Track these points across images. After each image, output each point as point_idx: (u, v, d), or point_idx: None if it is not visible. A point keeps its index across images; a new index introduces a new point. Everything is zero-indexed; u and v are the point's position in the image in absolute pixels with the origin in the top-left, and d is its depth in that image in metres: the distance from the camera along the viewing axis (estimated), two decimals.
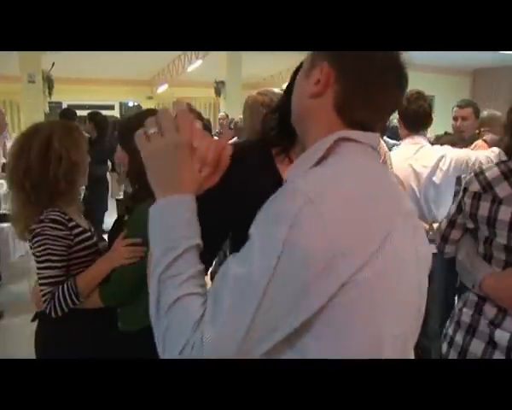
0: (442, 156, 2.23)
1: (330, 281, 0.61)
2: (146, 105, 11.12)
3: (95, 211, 4.11)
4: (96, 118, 4.33)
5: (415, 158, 2.27)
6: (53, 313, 1.37)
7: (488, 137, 2.51)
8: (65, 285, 1.38)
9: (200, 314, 0.63)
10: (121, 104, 12.11)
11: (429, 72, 8.56)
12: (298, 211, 0.61)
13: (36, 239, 1.39)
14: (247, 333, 0.60)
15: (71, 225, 1.45)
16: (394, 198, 0.74)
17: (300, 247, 0.60)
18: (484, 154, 2.23)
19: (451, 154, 2.24)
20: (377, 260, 0.63)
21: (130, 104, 12.40)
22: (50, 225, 1.39)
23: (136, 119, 1.42)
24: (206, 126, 2.95)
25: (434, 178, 2.22)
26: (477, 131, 2.76)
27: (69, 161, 1.43)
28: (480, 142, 2.51)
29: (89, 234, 1.52)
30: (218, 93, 8.21)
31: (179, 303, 0.64)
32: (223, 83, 7.98)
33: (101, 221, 4.33)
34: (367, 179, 0.70)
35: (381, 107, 0.75)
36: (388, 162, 2.07)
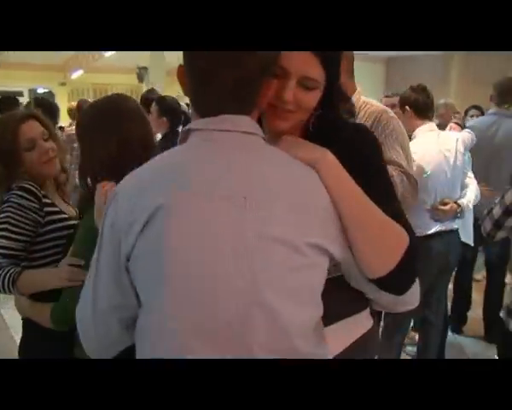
0: (457, 139, 2.49)
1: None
2: (58, 92, 10.46)
3: None
4: (43, 103, 3.95)
5: (439, 143, 2.46)
6: None
7: (457, 120, 3.22)
8: (11, 268, 1.29)
9: None
10: (30, 91, 11.24)
11: None
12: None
13: (2, 203, 1.33)
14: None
15: (45, 201, 1.38)
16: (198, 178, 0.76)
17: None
18: (463, 133, 2.65)
19: (459, 136, 2.57)
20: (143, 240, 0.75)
21: (40, 91, 11.56)
22: (18, 192, 1.33)
23: (91, 108, 1.31)
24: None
25: (458, 162, 2.45)
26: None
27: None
28: (453, 124, 3.18)
29: (65, 218, 1.43)
30: (140, 79, 8.00)
31: None
32: (145, 69, 7.79)
33: None
34: (164, 162, 0.82)
35: (210, 94, 0.80)
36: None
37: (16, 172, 1.38)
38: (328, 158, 0.84)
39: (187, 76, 0.84)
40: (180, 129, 2.69)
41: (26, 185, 1.35)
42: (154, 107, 2.73)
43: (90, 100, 5.01)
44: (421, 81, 2.60)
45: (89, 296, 0.83)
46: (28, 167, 1.40)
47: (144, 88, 8.03)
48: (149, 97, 3.15)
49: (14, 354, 1.46)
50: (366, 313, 0.98)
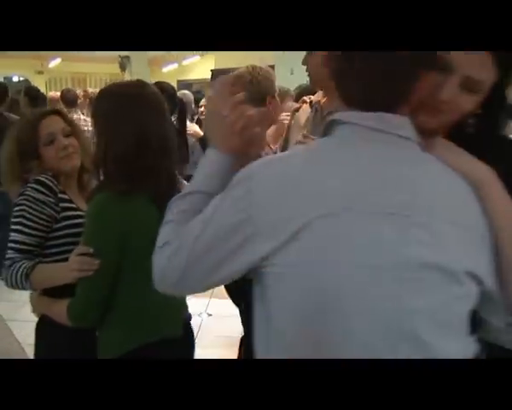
0: None
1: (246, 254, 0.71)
2: (35, 80, 10.17)
3: None
4: (31, 92, 3.87)
5: None
6: (4, 282, 1.28)
7: None
8: (24, 263, 1.25)
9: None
10: (6, 79, 10.91)
11: None
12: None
13: (18, 196, 1.31)
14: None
15: (61, 196, 1.35)
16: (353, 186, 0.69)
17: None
18: None
19: None
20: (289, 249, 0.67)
21: (15, 79, 11.23)
22: (34, 185, 1.31)
23: (101, 94, 1.26)
24: None
25: None
26: None
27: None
28: None
29: (81, 215, 1.34)
30: (123, 68, 7.86)
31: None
32: (128, 58, 7.66)
33: None
34: (316, 160, 0.72)
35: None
36: None
37: (33, 165, 1.37)
38: (495, 181, 0.75)
39: (333, 60, 0.78)
40: (174, 118, 2.61)
41: (42, 179, 1.33)
42: None
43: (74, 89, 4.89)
44: None
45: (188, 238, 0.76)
46: (46, 162, 1.39)
47: (127, 77, 7.91)
48: None
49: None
50: None
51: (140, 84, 1.23)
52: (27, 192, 1.29)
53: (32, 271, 1.25)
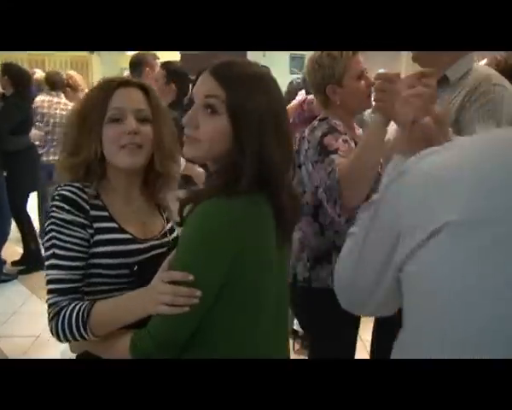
0: None
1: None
2: None
3: (14, 196, 3.48)
4: (10, 70, 3.57)
5: None
6: (56, 337, 0.96)
7: None
8: (77, 307, 0.94)
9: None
10: None
11: None
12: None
13: (45, 219, 1.01)
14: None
15: (94, 213, 1.00)
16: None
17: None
18: None
19: None
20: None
21: None
22: (58, 203, 0.98)
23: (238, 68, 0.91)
24: None
25: None
26: None
27: None
28: None
29: (126, 239, 1.03)
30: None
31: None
32: None
33: (21, 210, 3.64)
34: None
35: None
36: None
37: (92, 149, 1.02)
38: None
39: None
40: (186, 101, 2.43)
41: (67, 193, 0.99)
42: (160, 72, 2.48)
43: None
44: None
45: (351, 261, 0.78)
46: (103, 150, 1.03)
47: (95, 60, 7.61)
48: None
49: None
50: None
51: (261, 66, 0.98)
52: (53, 214, 0.98)
53: (90, 313, 0.93)
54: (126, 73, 3.68)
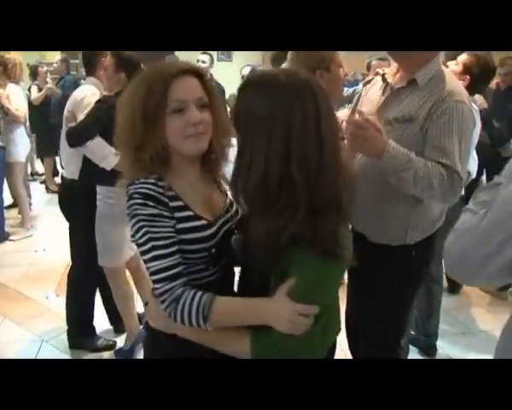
0: None
1: None
2: None
3: None
4: None
5: None
6: (175, 319, 0.99)
7: None
8: (196, 298, 0.98)
9: None
10: None
11: None
12: None
13: (130, 218, 1.02)
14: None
15: (173, 204, 1.04)
16: None
17: None
18: None
19: None
20: None
21: None
22: (138, 201, 1.00)
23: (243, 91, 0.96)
24: None
25: None
26: None
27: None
28: None
29: (202, 225, 1.06)
30: None
31: None
32: None
33: None
34: None
35: None
36: None
37: (158, 142, 1.03)
38: None
39: None
40: None
41: (146, 190, 1.00)
42: (109, 60, 2.33)
43: None
44: None
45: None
46: (167, 138, 1.04)
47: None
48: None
49: None
50: None
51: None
52: (137, 211, 1.00)
53: (210, 306, 0.97)
54: None
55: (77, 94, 2.35)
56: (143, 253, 1.00)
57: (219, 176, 1.18)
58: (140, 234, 1.00)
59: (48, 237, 4.07)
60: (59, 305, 2.77)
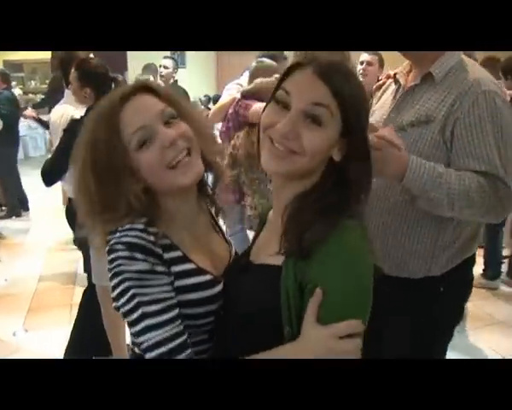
0: None
1: None
2: None
3: None
4: None
5: None
6: None
7: None
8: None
9: None
10: None
11: None
12: None
13: (112, 277, 0.78)
14: None
15: (167, 256, 0.80)
16: None
17: None
18: None
19: None
20: None
21: None
22: (124, 254, 0.76)
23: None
24: None
25: None
26: None
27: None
28: None
29: (206, 281, 0.84)
30: None
31: None
32: None
33: None
34: None
35: None
36: None
37: (125, 194, 0.79)
38: None
39: None
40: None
41: (132, 239, 0.77)
42: (73, 74, 2.08)
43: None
44: None
45: None
46: (147, 181, 0.82)
47: None
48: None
49: None
50: None
51: None
52: (122, 267, 0.77)
53: None
54: None
55: (51, 118, 2.33)
56: (131, 324, 0.76)
57: (217, 205, 0.97)
58: (126, 298, 0.76)
59: (8, 266, 3.69)
60: (30, 341, 2.57)
